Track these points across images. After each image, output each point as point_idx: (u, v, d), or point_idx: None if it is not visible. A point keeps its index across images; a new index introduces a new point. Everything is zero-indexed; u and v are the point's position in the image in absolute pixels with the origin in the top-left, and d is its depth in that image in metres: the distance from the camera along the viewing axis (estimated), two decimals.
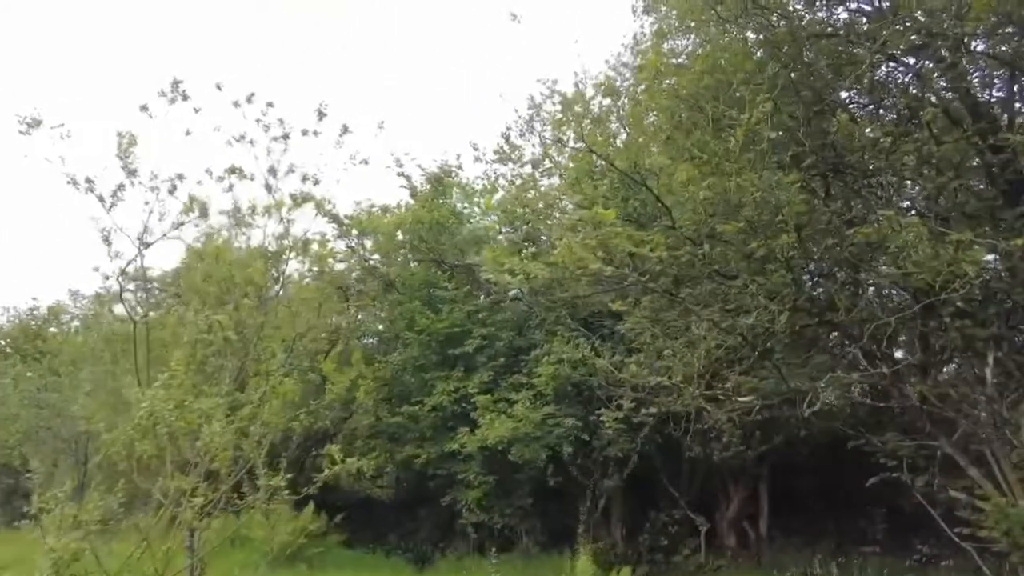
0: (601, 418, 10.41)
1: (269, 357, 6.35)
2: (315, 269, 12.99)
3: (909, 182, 8.92)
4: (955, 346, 8.16)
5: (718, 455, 12.45)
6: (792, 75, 7.54)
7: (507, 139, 13.44)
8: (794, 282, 6.89)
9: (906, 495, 9.47)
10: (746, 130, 6.44)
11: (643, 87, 8.96)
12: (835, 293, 7.84)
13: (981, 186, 8.45)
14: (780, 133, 7.73)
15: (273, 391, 5.29)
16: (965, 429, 7.89)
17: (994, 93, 8.65)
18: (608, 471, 13.62)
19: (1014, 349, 7.86)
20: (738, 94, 7.23)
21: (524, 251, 7.88)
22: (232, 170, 8.18)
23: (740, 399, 8.24)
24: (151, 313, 9.61)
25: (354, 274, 16.48)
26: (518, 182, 13.42)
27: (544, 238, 13.00)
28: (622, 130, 11.51)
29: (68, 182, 6.33)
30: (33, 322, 22.87)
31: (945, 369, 9.96)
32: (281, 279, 8.24)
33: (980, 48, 8.19)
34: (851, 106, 8.76)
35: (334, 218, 14.71)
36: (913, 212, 8.91)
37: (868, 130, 7.93)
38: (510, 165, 14.09)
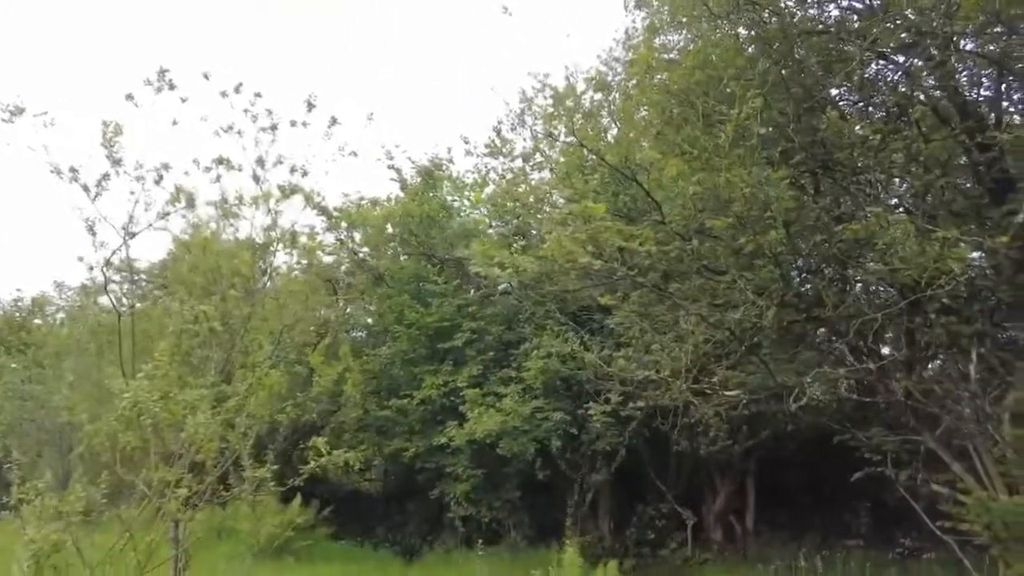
0: (589, 412, 10.45)
1: (256, 349, 6.31)
2: (303, 262, 12.94)
3: (897, 180, 8.99)
4: (940, 342, 8.24)
5: (705, 449, 12.52)
6: (783, 72, 7.55)
7: (498, 133, 13.39)
8: (782, 278, 6.93)
9: (890, 489, 9.57)
10: (736, 126, 6.45)
11: (634, 82, 8.96)
12: (823, 289, 7.88)
13: (968, 184, 8.52)
14: (770, 129, 7.75)
15: (259, 383, 5.27)
16: (948, 424, 7.97)
17: (982, 92, 8.72)
18: (596, 465, 13.68)
19: (997, 346, 7.94)
20: (728, 90, 7.24)
21: (514, 245, 7.88)
22: (220, 160, 8.10)
23: (727, 393, 8.28)
24: (137, 305, 9.54)
25: (343, 267, 16.42)
26: (509, 176, 13.40)
27: (534, 232, 13.00)
28: (613, 125, 11.51)
29: (52, 171, 6.25)
30: (17, 313, 22.62)
31: (930, 365, 10.07)
32: (269, 271, 8.18)
33: (969, 47, 8.24)
34: (841, 103, 8.79)
35: (323, 211, 14.61)
36: (901, 209, 8.98)
37: (858, 127, 7.98)
38: (501, 159, 14.04)
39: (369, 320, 17.95)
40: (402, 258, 15.84)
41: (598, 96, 11.33)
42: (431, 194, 15.76)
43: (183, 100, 7.13)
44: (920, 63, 7.86)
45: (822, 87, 8.03)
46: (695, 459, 13.87)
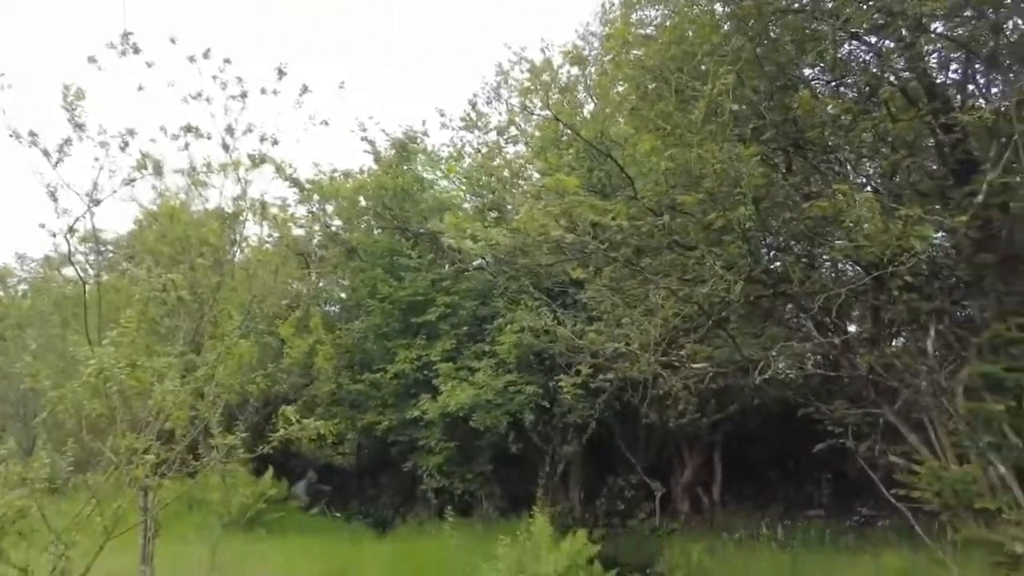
0: (560, 384, 10.58)
1: (225, 319, 6.25)
2: (275, 234, 12.79)
3: (867, 159, 9.15)
4: (902, 319, 8.48)
5: (674, 422, 12.78)
6: (757, 50, 7.59)
7: (474, 106, 13.31)
8: (750, 253, 7.04)
9: (851, 461, 9.89)
10: (709, 102, 6.49)
11: (610, 57, 8.94)
12: (790, 265, 8.03)
13: (934, 166, 8.70)
14: (743, 107, 7.81)
15: (229, 352, 5.23)
16: (907, 398, 8.23)
17: (950, 75, 8.87)
18: (567, 437, 13.88)
19: (955, 322, 8.20)
20: (703, 67, 7.27)
21: (487, 217, 7.89)
22: (188, 128, 7.94)
23: (694, 366, 8.45)
24: (103, 275, 9.36)
25: (315, 240, 16.25)
26: (484, 150, 13.34)
27: (509, 207, 12.99)
28: (589, 99, 11.50)
29: (10, 135, 6.08)
30: None
31: (895, 342, 10.37)
32: (238, 241, 8.07)
33: (939, 29, 8.35)
34: (813, 82, 8.88)
35: (295, 182, 14.44)
36: (869, 188, 9.15)
37: (829, 107, 8.08)
38: (476, 132, 13.99)
39: (342, 294, 17.84)
40: (375, 232, 15.72)
41: (575, 71, 11.31)
42: (405, 167, 15.62)
43: (149, 65, 6.97)
44: (891, 44, 7.96)
45: (795, 65, 8.09)
46: (664, 432, 14.17)
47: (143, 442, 4.50)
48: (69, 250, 6.23)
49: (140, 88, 7.38)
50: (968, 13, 7.95)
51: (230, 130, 7.87)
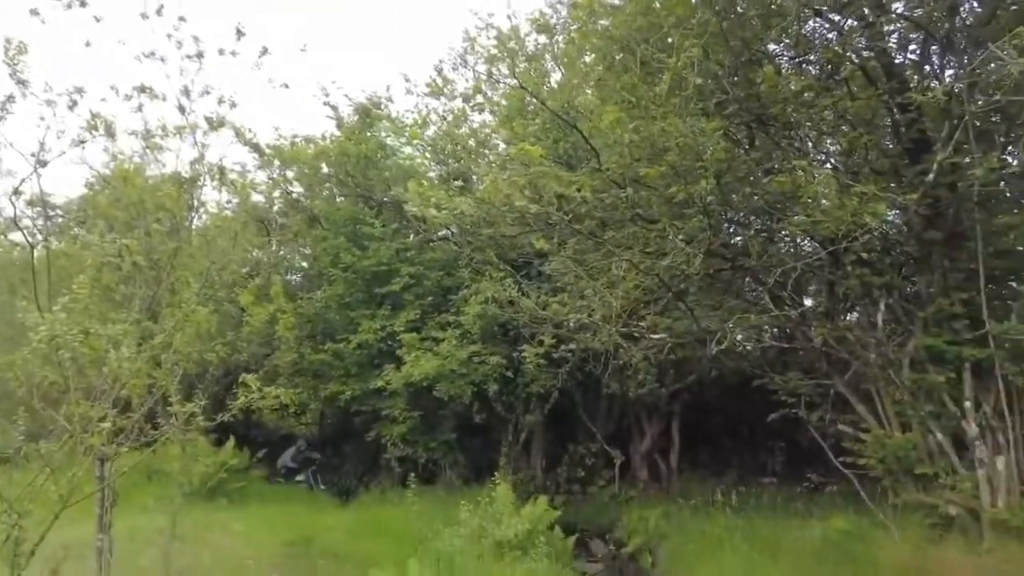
0: (524, 354, 10.69)
1: (183, 286, 6.12)
2: (234, 200, 12.48)
3: (827, 137, 9.33)
4: (856, 293, 8.77)
5: (634, 392, 13.08)
6: (723, 23, 7.62)
7: (440, 72, 13.09)
8: (711, 227, 7.16)
9: (803, 431, 10.26)
10: (674, 74, 6.51)
11: (577, 26, 8.87)
12: (749, 240, 8.20)
13: (890, 144, 8.92)
14: (707, 80, 7.85)
15: (187, 319, 5.13)
16: (857, 370, 8.56)
17: (908, 55, 9.05)
18: (530, 407, 14.07)
19: (904, 297, 8.50)
20: (670, 39, 7.27)
21: (452, 186, 7.84)
22: (141, 88, 7.64)
23: (653, 337, 8.61)
24: (53, 240, 9.05)
25: (276, 207, 15.92)
26: (450, 117, 13.17)
27: (475, 177, 12.91)
28: (556, 69, 11.42)
29: None
30: None
31: (849, 316, 10.72)
32: (196, 206, 7.86)
33: (899, 9, 8.49)
34: (777, 59, 8.96)
35: (255, 147, 14.07)
36: (828, 165, 9.34)
37: (792, 83, 8.18)
38: (442, 99, 13.78)
39: (304, 263, 17.57)
40: (338, 199, 15.45)
41: (542, 39, 11.19)
42: (368, 133, 15.33)
43: (97, 20, 6.66)
44: (853, 23, 8.07)
45: (760, 40, 8.14)
46: (624, 401, 14.47)
47: (98, 411, 4.42)
48: (15, 213, 6.00)
49: (88, 44, 7.06)
50: None
51: (186, 91, 7.59)
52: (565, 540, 9.58)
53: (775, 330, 12.49)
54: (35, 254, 6.22)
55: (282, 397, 5.17)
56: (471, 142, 11.66)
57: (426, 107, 15.05)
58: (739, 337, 9.09)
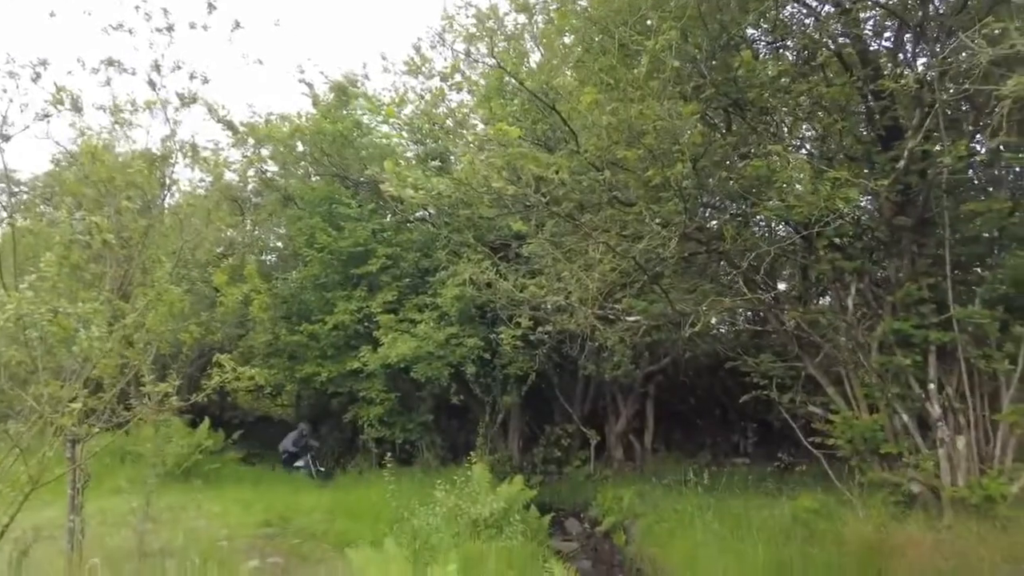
0: (501, 336, 10.73)
1: (155, 266, 6.01)
2: (207, 178, 12.25)
3: (803, 122, 9.41)
4: (828, 278, 8.92)
5: (610, 374, 13.23)
6: (701, 7, 7.61)
7: (418, 50, 12.91)
8: (686, 211, 7.21)
9: (774, 412, 10.48)
10: (651, 57, 6.50)
11: (557, 6, 8.80)
12: (724, 224, 8.27)
13: (864, 131, 9.03)
14: (685, 64, 7.86)
15: (159, 299, 5.05)
16: (827, 352, 8.74)
17: (883, 42, 9.14)
18: (508, 388, 14.16)
19: (873, 281, 8.67)
20: (649, 21, 7.25)
21: (429, 166, 7.78)
22: (110, 62, 7.43)
23: (629, 319, 8.69)
24: (18, 217, 8.80)
25: (250, 186, 15.65)
26: (427, 96, 13.02)
27: (452, 158, 12.81)
28: (535, 49, 11.33)
29: None
30: None
31: (822, 300, 10.92)
32: (167, 183, 7.70)
33: None
34: (755, 44, 8.99)
35: (228, 124, 13.79)
36: (804, 151, 9.45)
37: (769, 68, 8.23)
38: (420, 78, 13.59)
39: (278, 243, 17.36)
40: (313, 178, 15.25)
41: (521, 18, 11.07)
42: (344, 112, 15.11)
43: None
44: (830, 9, 8.12)
45: (738, 25, 8.16)
46: (600, 383, 14.64)
47: (68, 391, 4.35)
48: None
49: (52, 15, 6.85)
50: None
51: (156, 66, 7.40)
52: (540, 519, 9.71)
53: (748, 313, 12.69)
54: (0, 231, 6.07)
55: (257, 378, 5.13)
56: (449, 122, 11.55)
57: (403, 85, 14.90)
58: (713, 320, 9.22)
